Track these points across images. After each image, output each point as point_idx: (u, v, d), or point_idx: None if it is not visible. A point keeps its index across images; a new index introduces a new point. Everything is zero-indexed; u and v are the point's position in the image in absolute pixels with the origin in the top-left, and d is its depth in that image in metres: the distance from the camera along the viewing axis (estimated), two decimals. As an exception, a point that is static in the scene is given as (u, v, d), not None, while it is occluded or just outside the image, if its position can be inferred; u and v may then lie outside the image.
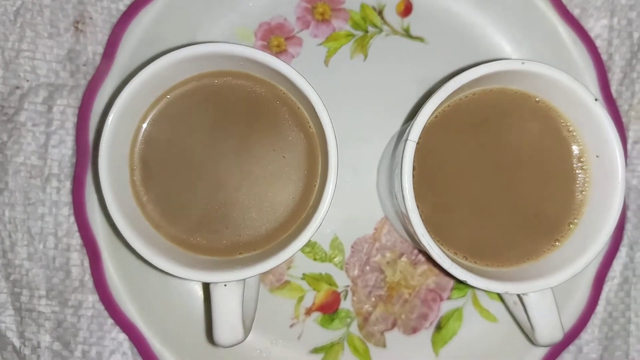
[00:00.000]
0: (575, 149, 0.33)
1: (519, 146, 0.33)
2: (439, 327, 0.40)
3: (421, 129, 0.30)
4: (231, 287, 0.30)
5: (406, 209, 0.30)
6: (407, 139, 0.30)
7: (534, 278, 0.30)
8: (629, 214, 0.40)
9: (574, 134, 0.33)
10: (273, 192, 0.33)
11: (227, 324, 0.30)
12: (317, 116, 0.30)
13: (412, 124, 0.30)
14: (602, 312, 0.40)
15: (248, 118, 0.33)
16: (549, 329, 0.31)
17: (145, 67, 0.30)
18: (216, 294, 0.30)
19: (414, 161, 0.30)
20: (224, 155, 0.32)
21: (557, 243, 0.33)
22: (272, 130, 0.33)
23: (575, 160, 0.33)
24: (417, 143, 0.30)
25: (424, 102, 0.30)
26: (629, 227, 0.40)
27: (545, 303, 0.31)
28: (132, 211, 0.31)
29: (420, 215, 0.30)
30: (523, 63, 0.30)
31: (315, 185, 0.33)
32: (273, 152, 0.33)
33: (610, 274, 0.40)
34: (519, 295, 0.32)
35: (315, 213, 0.30)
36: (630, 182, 0.40)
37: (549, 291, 0.31)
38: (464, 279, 0.29)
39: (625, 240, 0.40)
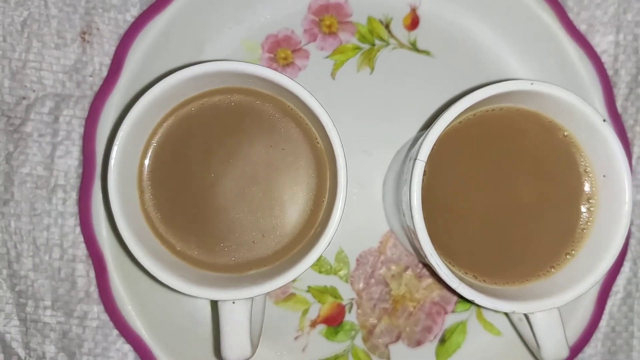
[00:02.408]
0: (582, 166, 0.33)
1: (526, 165, 0.33)
2: (443, 340, 0.40)
3: (430, 149, 0.30)
4: (239, 305, 0.30)
5: (414, 228, 0.30)
6: (415, 158, 0.30)
7: (540, 297, 0.31)
8: (633, 229, 0.41)
9: (581, 152, 0.33)
10: (282, 208, 0.33)
11: (235, 341, 0.30)
12: (326, 133, 0.30)
13: (421, 143, 0.30)
14: (605, 327, 0.40)
15: (256, 135, 0.33)
16: (555, 347, 0.31)
17: (153, 82, 0.30)
18: (224, 311, 0.30)
19: (422, 180, 0.30)
20: (232, 172, 0.33)
21: (567, 256, 0.33)
22: (280, 146, 0.33)
23: (582, 178, 0.33)
24: (426, 162, 0.30)
25: (433, 118, 0.31)
26: (632, 242, 0.41)
27: (552, 322, 0.31)
28: (141, 228, 0.31)
29: (428, 234, 0.30)
30: (532, 84, 0.30)
31: (324, 202, 0.33)
32: (281, 168, 0.33)
33: (614, 288, 0.40)
34: (525, 314, 0.32)
35: (324, 230, 0.30)
36: (635, 197, 0.41)
37: (555, 310, 0.31)
38: (472, 299, 0.30)
39: (629, 255, 0.41)
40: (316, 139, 0.33)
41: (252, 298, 0.30)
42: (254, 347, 0.31)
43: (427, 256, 0.30)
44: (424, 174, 0.30)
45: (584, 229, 0.33)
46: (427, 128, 0.31)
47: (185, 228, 0.32)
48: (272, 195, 0.33)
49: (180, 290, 0.30)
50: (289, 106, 0.33)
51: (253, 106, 0.33)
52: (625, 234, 0.31)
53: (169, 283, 0.30)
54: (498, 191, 0.33)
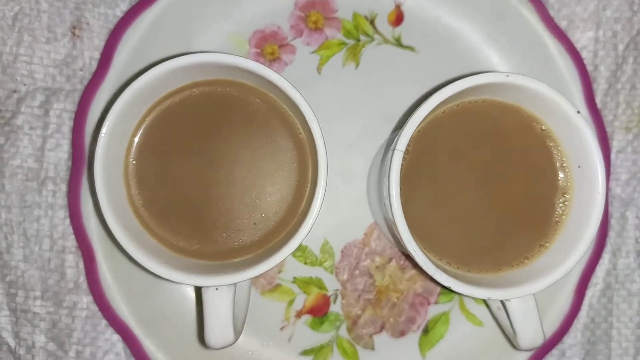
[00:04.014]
0: (557, 158, 0.34)
1: (503, 156, 0.34)
2: (426, 331, 0.41)
3: (409, 139, 0.31)
4: (222, 291, 0.31)
5: (393, 217, 0.31)
6: (394, 149, 0.31)
7: (516, 284, 0.31)
8: (612, 221, 0.41)
9: (557, 144, 0.34)
10: (265, 197, 0.33)
11: (218, 326, 0.31)
12: (307, 124, 0.31)
13: (400, 134, 0.31)
14: (584, 317, 0.41)
15: (240, 125, 0.33)
16: (530, 334, 0.32)
17: (140, 75, 0.31)
18: (207, 297, 0.31)
19: (401, 170, 0.31)
20: (216, 162, 0.33)
21: (541, 248, 0.34)
22: (264, 137, 0.34)
23: (558, 169, 0.34)
24: (405, 152, 0.31)
25: (412, 112, 0.31)
26: (612, 234, 0.41)
27: (527, 309, 0.32)
28: (126, 216, 0.32)
29: (407, 223, 0.31)
30: (507, 76, 0.31)
31: (306, 191, 0.33)
32: (265, 158, 0.33)
33: (593, 280, 0.41)
34: (502, 301, 0.32)
35: (305, 218, 0.31)
36: (614, 190, 0.41)
37: (530, 297, 0.32)
38: (448, 285, 0.30)
39: (608, 248, 0.41)
40: (298, 129, 0.33)
41: (235, 285, 0.31)
42: (237, 333, 0.32)
43: (405, 244, 0.30)
44: (403, 164, 0.31)
45: (557, 221, 0.34)
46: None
47: (170, 217, 0.33)
48: (256, 184, 0.33)
49: (165, 277, 0.30)
50: (272, 98, 0.33)
51: (237, 98, 0.33)
52: (599, 222, 0.31)
53: (154, 270, 0.30)
54: (476, 182, 0.34)
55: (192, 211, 0.33)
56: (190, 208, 0.33)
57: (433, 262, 0.31)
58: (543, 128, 0.34)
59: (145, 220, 0.33)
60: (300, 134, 0.33)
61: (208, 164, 0.33)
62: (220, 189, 0.33)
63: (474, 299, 0.40)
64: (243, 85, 0.33)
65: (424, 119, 0.31)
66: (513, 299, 0.31)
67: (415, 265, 0.40)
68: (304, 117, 0.31)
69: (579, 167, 0.33)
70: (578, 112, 0.31)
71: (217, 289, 0.31)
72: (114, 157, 0.32)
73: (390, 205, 0.30)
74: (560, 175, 0.34)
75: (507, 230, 0.34)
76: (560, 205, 0.34)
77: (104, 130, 0.30)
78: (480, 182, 0.34)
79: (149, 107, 0.33)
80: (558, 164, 0.34)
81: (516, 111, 0.34)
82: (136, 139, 0.33)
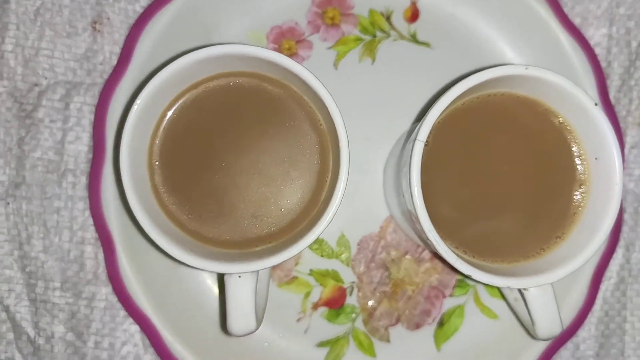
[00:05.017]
0: (575, 150, 0.34)
1: (521, 148, 0.34)
2: (441, 323, 0.41)
3: (429, 130, 0.31)
4: (245, 278, 0.31)
5: (414, 206, 0.31)
6: (415, 139, 0.31)
7: (534, 274, 0.32)
8: (626, 216, 0.42)
9: (575, 136, 0.34)
10: (287, 187, 0.34)
11: (241, 314, 0.31)
12: (329, 114, 0.31)
13: (421, 125, 0.31)
14: (598, 311, 0.41)
15: (262, 116, 0.34)
16: (549, 323, 0.32)
17: (162, 67, 0.31)
18: (231, 284, 0.31)
19: (421, 160, 0.31)
20: (239, 151, 0.34)
21: (557, 239, 0.34)
22: (286, 128, 0.34)
23: (575, 162, 0.34)
24: (425, 144, 0.31)
25: (431, 105, 0.32)
26: (625, 229, 0.42)
27: (546, 298, 0.32)
28: (151, 204, 0.32)
29: (427, 212, 0.31)
30: (526, 68, 0.31)
31: (326, 182, 0.34)
32: (286, 149, 0.34)
33: (607, 274, 0.41)
34: (520, 291, 0.33)
35: (327, 208, 0.31)
36: (627, 185, 0.42)
37: (549, 286, 0.32)
38: (469, 274, 0.31)
39: (622, 242, 0.42)
40: (319, 121, 0.34)
41: (257, 273, 0.31)
42: (259, 321, 0.32)
43: (426, 233, 0.31)
44: (423, 154, 0.31)
45: (574, 213, 0.34)
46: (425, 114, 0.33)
47: (194, 206, 0.33)
48: (277, 174, 0.34)
49: (189, 264, 0.31)
50: (293, 89, 0.34)
51: (259, 89, 0.34)
52: (616, 214, 0.32)
53: (178, 257, 0.31)
54: (494, 173, 0.34)
55: (216, 200, 0.34)
56: (213, 197, 0.34)
57: (452, 251, 0.31)
58: (561, 121, 0.34)
59: (168, 208, 0.33)
60: (321, 124, 0.34)
61: (230, 154, 0.34)
62: (242, 179, 0.34)
63: (490, 291, 0.41)
64: (264, 76, 0.34)
65: (443, 111, 0.32)
66: (531, 288, 0.32)
67: (434, 254, 0.40)
68: (325, 108, 0.32)
69: (595, 159, 0.33)
70: (595, 104, 0.32)
71: (240, 276, 0.31)
72: (138, 147, 0.32)
73: (411, 194, 0.31)
74: (578, 167, 0.34)
75: (524, 221, 0.34)
76: (578, 197, 0.34)
77: (130, 118, 0.31)
78: (498, 173, 0.34)
79: (173, 97, 0.33)
80: (576, 156, 0.34)
81: (534, 104, 0.34)
82: (160, 129, 0.34)
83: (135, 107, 0.30)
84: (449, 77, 0.41)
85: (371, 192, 0.41)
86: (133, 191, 0.31)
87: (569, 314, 0.40)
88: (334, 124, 0.31)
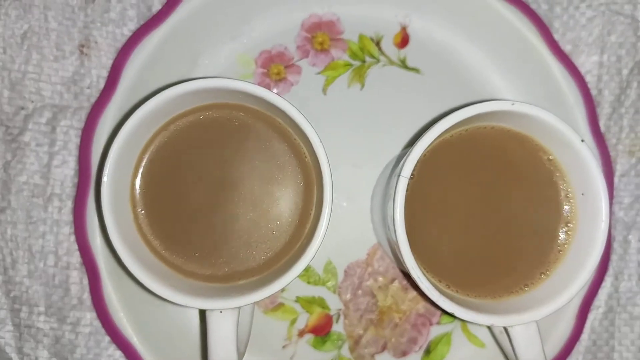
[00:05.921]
0: (562, 187, 0.34)
1: (510, 185, 0.34)
2: (428, 351, 0.41)
3: (413, 165, 0.31)
4: (227, 314, 0.31)
5: (397, 241, 0.31)
6: (400, 174, 0.31)
7: (518, 311, 0.32)
8: (615, 245, 0.42)
9: (563, 174, 0.34)
10: (271, 220, 0.34)
11: (222, 349, 0.31)
12: (314, 150, 0.31)
13: (405, 160, 0.31)
14: (586, 340, 0.41)
15: (246, 149, 0.34)
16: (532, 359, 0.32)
17: (148, 96, 0.31)
18: (212, 320, 0.31)
19: (406, 192, 0.31)
20: (223, 185, 0.34)
21: (542, 276, 0.34)
22: (270, 160, 0.34)
23: (562, 199, 0.34)
24: (411, 177, 0.31)
25: (417, 138, 0.32)
26: (614, 258, 0.42)
27: (529, 335, 0.32)
28: (132, 238, 0.32)
29: (410, 247, 0.31)
30: (513, 104, 0.31)
31: (311, 214, 0.34)
32: (271, 181, 0.34)
33: (596, 302, 0.41)
34: (504, 327, 0.33)
35: (310, 243, 0.31)
36: (617, 214, 0.42)
37: (533, 324, 0.32)
38: (452, 312, 0.31)
39: (611, 271, 0.41)
40: (304, 154, 0.34)
41: (239, 308, 0.31)
42: (240, 355, 0.32)
43: (409, 270, 0.31)
44: (409, 187, 0.31)
45: (560, 250, 0.34)
46: (412, 145, 0.32)
47: (176, 240, 0.33)
48: (262, 207, 0.34)
49: (170, 300, 0.31)
50: (278, 122, 0.34)
51: (243, 122, 0.34)
52: (602, 251, 0.32)
53: (159, 292, 0.31)
54: (480, 208, 0.34)
55: (198, 234, 0.33)
56: (195, 231, 0.33)
57: (434, 285, 0.31)
58: (550, 158, 0.34)
59: (150, 242, 0.33)
60: (305, 157, 0.34)
61: (213, 188, 0.33)
62: (226, 212, 0.33)
63: (476, 322, 0.40)
64: (249, 109, 0.34)
65: (430, 143, 0.31)
66: (515, 325, 0.32)
67: (416, 286, 0.40)
68: (309, 142, 0.31)
69: (582, 194, 0.33)
70: (582, 140, 0.32)
71: (221, 312, 0.31)
72: (120, 182, 0.32)
73: (395, 230, 0.30)
74: (565, 206, 0.34)
75: (508, 257, 0.34)
76: (563, 234, 0.34)
77: (111, 154, 0.30)
78: (484, 208, 0.34)
79: (155, 130, 0.33)
80: (563, 195, 0.34)
81: (523, 139, 0.34)
82: (142, 164, 0.33)
83: (114, 147, 0.30)
84: (438, 103, 0.41)
85: (358, 219, 0.41)
86: (115, 227, 0.31)
87: (557, 344, 0.40)
88: (317, 159, 0.31)
